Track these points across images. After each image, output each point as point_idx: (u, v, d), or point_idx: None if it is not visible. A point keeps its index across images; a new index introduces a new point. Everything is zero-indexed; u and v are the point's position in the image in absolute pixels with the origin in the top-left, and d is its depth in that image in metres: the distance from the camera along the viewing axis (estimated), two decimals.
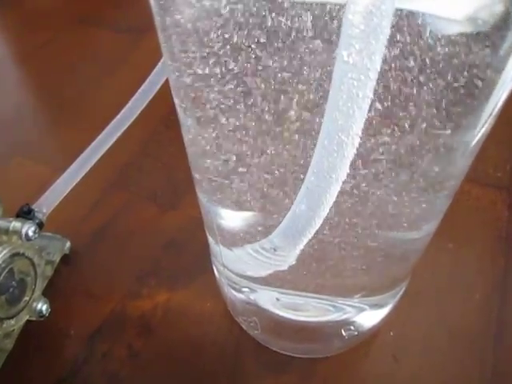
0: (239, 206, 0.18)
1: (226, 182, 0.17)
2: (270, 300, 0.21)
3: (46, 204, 0.26)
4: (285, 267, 0.18)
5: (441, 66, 0.11)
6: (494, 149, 0.35)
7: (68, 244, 0.29)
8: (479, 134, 0.14)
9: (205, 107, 0.14)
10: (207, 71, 0.13)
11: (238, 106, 0.14)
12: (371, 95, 0.11)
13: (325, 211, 0.14)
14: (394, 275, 0.20)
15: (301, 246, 0.16)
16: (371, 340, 0.26)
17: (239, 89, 0.13)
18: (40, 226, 0.25)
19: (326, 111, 0.12)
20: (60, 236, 0.29)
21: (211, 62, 0.13)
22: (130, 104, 0.30)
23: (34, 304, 0.25)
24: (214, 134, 0.15)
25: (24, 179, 0.35)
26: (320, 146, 0.13)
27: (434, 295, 0.28)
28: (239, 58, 0.12)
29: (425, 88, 0.12)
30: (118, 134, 0.30)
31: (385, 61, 0.11)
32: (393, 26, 0.11)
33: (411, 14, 0.11)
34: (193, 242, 0.30)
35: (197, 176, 0.19)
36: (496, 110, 0.13)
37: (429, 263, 0.28)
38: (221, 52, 0.13)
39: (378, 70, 0.11)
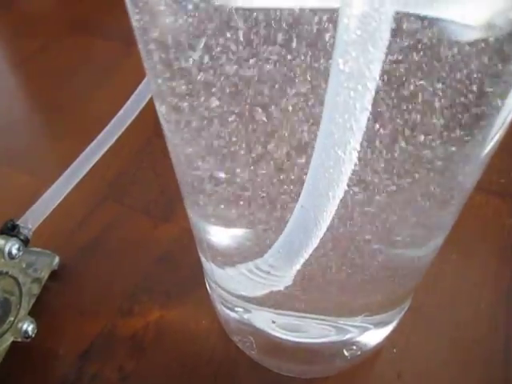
0: (229, 223, 0.17)
1: (214, 199, 0.16)
2: (265, 321, 0.20)
3: (31, 219, 0.25)
4: (280, 287, 0.17)
5: (452, 73, 0.10)
6: (497, 155, 0.34)
7: (57, 259, 0.28)
8: (489, 146, 0.13)
9: (189, 125, 0.13)
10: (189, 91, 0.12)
11: (225, 121, 0.13)
12: (370, 107, 0.10)
13: (322, 230, 0.13)
14: (399, 293, 0.19)
15: (297, 267, 0.15)
16: (374, 357, 0.25)
17: (225, 106, 0.12)
18: (25, 242, 0.24)
19: (320, 124, 0.11)
20: (48, 251, 0.28)
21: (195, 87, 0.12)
22: (120, 113, 0.29)
23: (20, 324, 0.24)
24: (199, 150, 0.14)
25: (10, 191, 0.34)
26: (315, 162, 0.12)
27: (437, 308, 0.27)
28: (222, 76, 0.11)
29: (434, 98, 0.11)
30: (109, 144, 0.29)
31: (390, 67, 0.10)
32: (400, 30, 0.10)
33: (422, 18, 0.10)
34: (187, 255, 0.29)
35: (184, 191, 0.18)
36: (508, 121, 0.12)
37: (432, 275, 0.27)
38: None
39: (377, 79, 0.09)
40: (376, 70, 0.09)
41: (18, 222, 0.25)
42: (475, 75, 0.10)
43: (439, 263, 0.28)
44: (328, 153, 0.11)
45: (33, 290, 0.25)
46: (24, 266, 0.25)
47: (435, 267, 0.24)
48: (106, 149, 0.28)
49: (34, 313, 0.25)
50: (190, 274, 0.28)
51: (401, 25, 0.10)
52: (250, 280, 0.17)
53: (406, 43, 0.10)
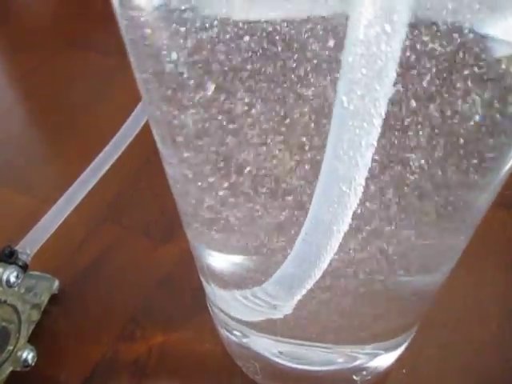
0: (227, 250, 0.16)
1: (211, 226, 0.15)
2: (266, 347, 0.19)
3: (30, 244, 0.25)
4: (280, 316, 0.16)
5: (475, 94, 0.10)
6: None
7: (56, 283, 0.28)
8: (505, 169, 0.13)
9: (184, 154, 0.13)
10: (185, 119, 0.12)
11: (223, 150, 0.12)
12: (375, 143, 0.10)
13: (325, 263, 0.13)
14: (410, 319, 0.19)
15: (298, 297, 0.15)
16: (383, 378, 0.24)
17: (224, 137, 0.12)
18: (24, 268, 0.24)
19: (324, 159, 0.11)
20: (48, 275, 0.28)
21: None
22: (119, 134, 0.29)
23: (19, 353, 0.23)
24: (198, 182, 0.14)
25: (7, 211, 0.33)
26: (319, 195, 0.11)
27: (446, 328, 0.26)
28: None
29: (450, 123, 0.10)
30: (108, 165, 0.29)
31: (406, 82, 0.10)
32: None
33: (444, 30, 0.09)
34: (189, 277, 0.29)
35: (182, 214, 0.17)
36: None
37: (439, 293, 0.26)
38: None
39: (383, 115, 0.09)
40: (382, 107, 0.09)
41: (17, 248, 0.24)
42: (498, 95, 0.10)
43: (446, 281, 0.27)
44: (332, 188, 0.11)
45: (32, 317, 0.25)
46: (23, 291, 0.25)
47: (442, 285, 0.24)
48: (104, 171, 0.28)
49: (33, 339, 0.25)
50: (192, 297, 0.28)
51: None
52: (245, 306, 0.17)
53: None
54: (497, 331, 0.26)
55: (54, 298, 0.28)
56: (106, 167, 0.28)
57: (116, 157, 0.29)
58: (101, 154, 0.28)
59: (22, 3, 0.61)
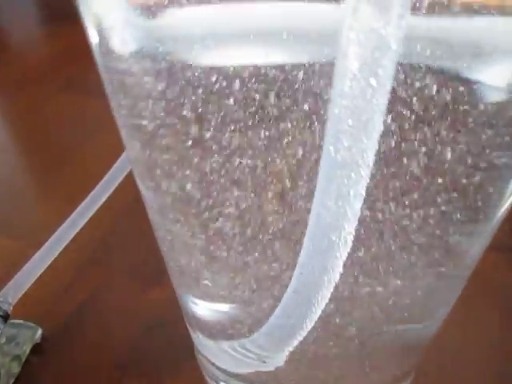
0: (213, 299, 0.16)
1: (197, 275, 0.15)
2: None
3: (12, 292, 0.24)
4: (271, 368, 0.16)
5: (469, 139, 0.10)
6: None
7: (39, 332, 0.27)
8: (500, 215, 0.12)
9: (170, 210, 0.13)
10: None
11: (205, 204, 0.12)
12: (364, 192, 0.10)
13: (316, 313, 0.13)
14: (404, 368, 0.18)
15: (290, 348, 0.14)
16: None
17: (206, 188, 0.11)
18: (5, 318, 0.23)
19: (312, 208, 0.10)
20: (31, 323, 0.27)
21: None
22: (107, 175, 0.29)
23: None
24: (180, 227, 0.13)
25: None
26: (308, 246, 0.11)
27: (442, 374, 0.25)
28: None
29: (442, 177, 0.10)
30: (96, 207, 0.28)
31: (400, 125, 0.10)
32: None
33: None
34: (179, 322, 0.28)
35: (165, 260, 0.17)
36: None
37: (435, 339, 0.25)
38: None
39: (371, 166, 0.09)
40: (370, 157, 0.09)
41: None
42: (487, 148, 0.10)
43: (441, 327, 0.27)
44: (321, 238, 0.11)
45: (13, 369, 0.24)
46: (3, 341, 0.24)
47: (437, 332, 0.23)
48: (92, 213, 0.28)
49: None
50: (182, 344, 0.27)
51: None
52: (233, 357, 0.16)
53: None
54: (496, 375, 0.25)
55: (36, 348, 0.27)
56: (94, 209, 0.28)
57: (104, 199, 0.28)
58: (88, 197, 0.28)
59: (17, 46, 0.62)
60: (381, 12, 0.06)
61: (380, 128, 0.08)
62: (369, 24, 0.07)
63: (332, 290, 0.12)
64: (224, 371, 0.18)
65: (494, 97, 0.10)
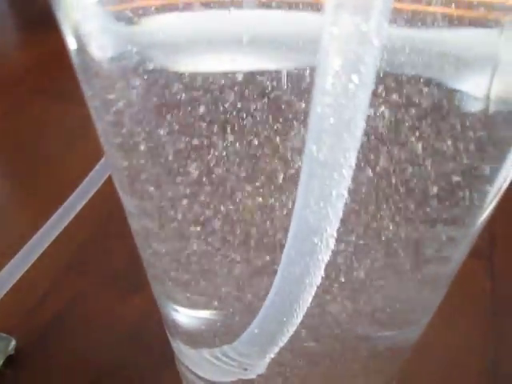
0: (193, 305, 0.15)
1: (176, 280, 0.14)
2: None
3: None
4: (253, 376, 0.15)
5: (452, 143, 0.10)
6: None
7: (13, 343, 0.26)
8: (481, 221, 0.12)
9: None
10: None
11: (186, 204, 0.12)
12: (346, 193, 0.09)
13: (298, 318, 0.12)
14: (386, 375, 0.18)
15: (271, 355, 0.14)
16: None
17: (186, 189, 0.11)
18: None
19: (294, 210, 0.10)
20: (4, 334, 0.26)
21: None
22: (85, 181, 0.28)
23: None
24: (160, 231, 0.13)
25: None
26: (289, 248, 0.11)
27: (424, 382, 0.25)
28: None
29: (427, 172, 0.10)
30: (73, 214, 0.28)
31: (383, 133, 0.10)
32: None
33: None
34: (159, 332, 0.27)
35: (144, 264, 0.17)
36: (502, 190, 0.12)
37: (416, 347, 0.25)
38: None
39: (353, 166, 0.09)
40: (352, 157, 0.09)
41: None
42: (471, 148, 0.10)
43: (421, 335, 0.27)
44: (303, 240, 0.10)
45: None
46: None
47: (417, 340, 0.23)
48: (68, 220, 0.27)
49: None
50: (162, 352, 0.26)
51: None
52: (214, 365, 0.16)
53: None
54: (476, 381, 0.25)
55: (9, 360, 0.26)
56: (69, 219, 0.27)
57: (79, 208, 0.28)
58: (62, 206, 0.27)
59: None
60: (362, 7, 0.06)
61: (362, 127, 0.08)
62: (350, 20, 0.07)
63: (313, 293, 0.12)
64: (205, 380, 0.18)
65: (475, 106, 0.10)
